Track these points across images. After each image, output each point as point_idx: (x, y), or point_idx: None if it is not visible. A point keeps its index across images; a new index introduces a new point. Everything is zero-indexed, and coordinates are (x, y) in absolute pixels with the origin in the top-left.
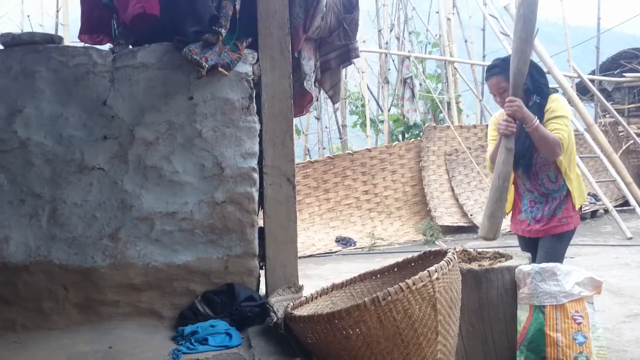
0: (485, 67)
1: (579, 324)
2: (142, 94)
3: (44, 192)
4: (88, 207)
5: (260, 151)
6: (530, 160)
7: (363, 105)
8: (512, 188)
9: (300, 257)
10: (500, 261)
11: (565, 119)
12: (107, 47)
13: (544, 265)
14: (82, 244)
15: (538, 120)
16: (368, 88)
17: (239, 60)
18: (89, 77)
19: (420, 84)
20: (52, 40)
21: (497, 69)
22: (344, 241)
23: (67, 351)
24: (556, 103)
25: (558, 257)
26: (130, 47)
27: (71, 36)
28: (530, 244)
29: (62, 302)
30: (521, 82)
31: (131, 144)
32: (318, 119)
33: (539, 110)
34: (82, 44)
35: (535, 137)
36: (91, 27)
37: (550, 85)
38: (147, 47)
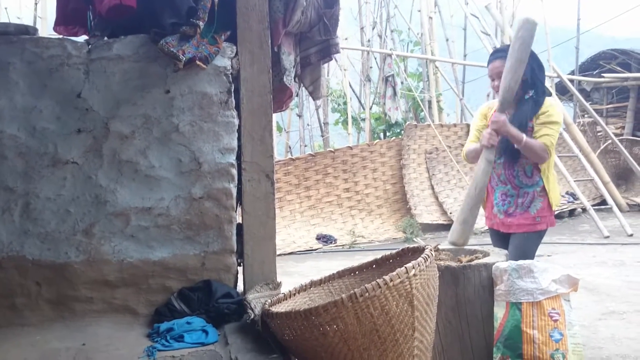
0: (490, 53)
1: (556, 321)
2: (117, 87)
3: (17, 186)
4: (61, 202)
5: (239, 147)
6: (516, 152)
7: (345, 103)
8: None
9: (280, 255)
10: (477, 258)
11: (558, 125)
12: (82, 38)
13: (521, 262)
14: (55, 240)
15: (525, 136)
16: (350, 86)
17: (217, 54)
18: (63, 69)
19: (402, 82)
20: (27, 31)
21: (502, 53)
22: (324, 239)
23: (40, 348)
24: (553, 109)
25: (528, 254)
26: (106, 38)
27: (49, 29)
28: (502, 239)
29: (35, 298)
30: (510, 98)
31: (106, 137)
32: (300, 116)
33: (535, 105)
34: (57, 36)
35: (523, 150)
36: (66, 18)
37: None
38: (123, 39)
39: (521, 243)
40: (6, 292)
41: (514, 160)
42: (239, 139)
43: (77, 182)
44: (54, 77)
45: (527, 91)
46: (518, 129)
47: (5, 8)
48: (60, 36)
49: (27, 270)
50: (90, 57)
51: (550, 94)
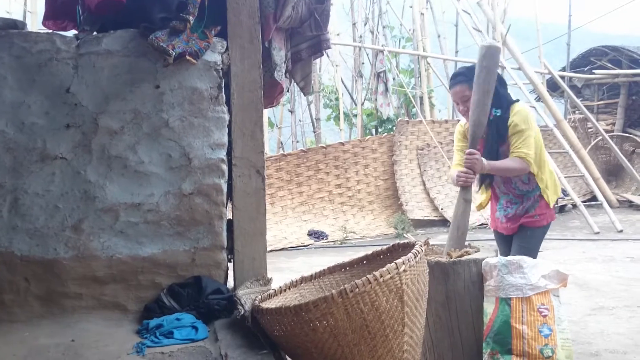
0: (450, 76)
1: (545, 316)
2: (106, 82)
3: (5, 182)
4: (50, 198)
5: (229, 142)
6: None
7: (337, 99)
8: (489, 190)
9: (272, 251)
10: (467, 253)
11: (527, 131)
12: (71, 33)
13: (510, 257)
14: (44, 235)
15: (492, 163)
16: (342, 82)
17: (207, 49)
18: (52, 63)
19: (394, 78)
20: (15, 25)
21: (462, 77)
22: (316, 235)
23: (29, 344)
24: (518, 116)
25: (532, 251)
26: (95, 33)
27: (39, 24)
28: (506, 240)
29: (24, 295)
30: (480, 133)
31: (95, 133)
32: (292, 112)
33: (502, 122)
34: (46, 30)
35: (499, 174)
36: (56, 12)
37: (523, 82)
38: (112, 33)
39: (523, 241)
40: None
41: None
42: (229, 134)
43: (65, 178)
44: (43, 71)
45: (491, 112)
46: (489, 152)
47: None
48: (49, 31)
49: (16, 266)
50: (79, 52)
51: (516, 100)
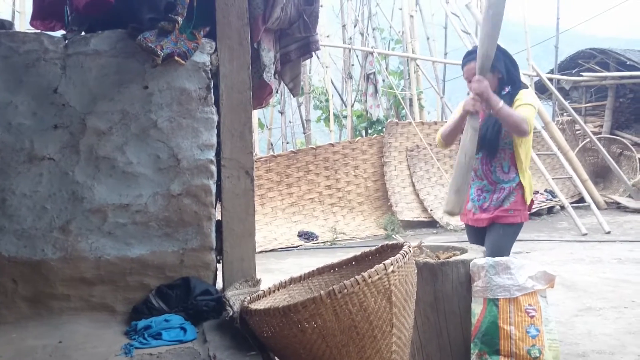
0: (464, 54)
1: (532, 317)
2: (94, 82)
3: None
4: (38, 198)
5: (218, 143)
6: (495, 142)
7: (327, 100)
8: None
9: (262, 252)
10: (455, 254)
11: (531, 106)
12: (59, 33)
13: (498, 258)
14: (31, 236)
15: (502, 102)
16: (332, 83)
17: (196, 50)
18: (39, 64)
19: (383, 80)
20: (2, 25)
21: (475, 55)
22: (306, 235)
23: (16, 345)
24: (525, 95)
25: (504, 250)
26: (83, 33)
27: (27, 24)
28: (478, 234)
29: (11, 296)
30: (488, 65)
31: (83, 133)
32: (282, 113)
33: (511, 100)
34: (34, 30)
35: (501, 117)
36: (43, 12)
37: None
38: (101, 33)
39: (497, 238)
40: None
41: (492, 156)
42: (218, 135)
43: (53, 179)
44: (31, 72)
45: (503, 87)
46: (493, 126)
47: None
48: (37, 31)
49: (3, 267)
50: (67, 52)
51: (526, 87)
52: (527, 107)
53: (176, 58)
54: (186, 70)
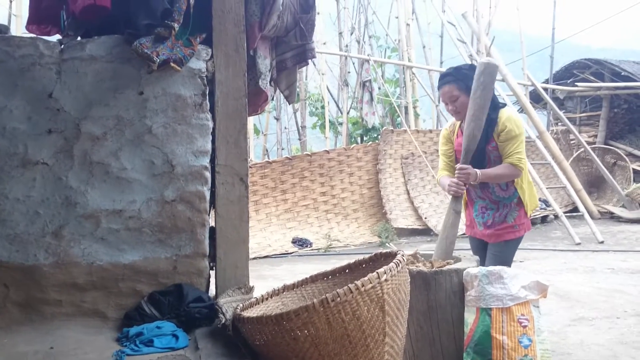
0: (439, 77)
1: (525, 327)
2: (89, 87)
3: None
4: (31, 203)
5: (213, 150)
6: (482, 166)
7: (323, 107)
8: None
9: (255, 258)
10: (449, 263)
11: (520, 136)
12: (55, 38)
13: (491, 268)
14: (24, 241)
15: (485, 171)
16: (328, 90)
17: (192, 56)
18: (35, 68)
19: (379, 88)
20: None
21: (450, 77)
22: (300, 242)
23: (7, 351)
24: (510, 122)
25: (507, 261)
26: (79, 38)
27: (24, 27)
28: (480, 246)
29: (3, 301)
30: (474, 147)
31: (77, 138)
32: (277, 119)
33: (489, 124)
34: (30, 35)
35: (491, 181)
36: (39, 17)
37: (506, 93)
38: (97, 39)
39: (500, 250)
40: None
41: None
42: (213, 141)
43: (47, 183)
44: (26, 76)
45: None
46: (476, 153)
47: None
48: (33, 35)
49: None
50: (62, 57)
51: (504, 105)
52: (516, 142)
53: (172, 64)
54: (182, 77)
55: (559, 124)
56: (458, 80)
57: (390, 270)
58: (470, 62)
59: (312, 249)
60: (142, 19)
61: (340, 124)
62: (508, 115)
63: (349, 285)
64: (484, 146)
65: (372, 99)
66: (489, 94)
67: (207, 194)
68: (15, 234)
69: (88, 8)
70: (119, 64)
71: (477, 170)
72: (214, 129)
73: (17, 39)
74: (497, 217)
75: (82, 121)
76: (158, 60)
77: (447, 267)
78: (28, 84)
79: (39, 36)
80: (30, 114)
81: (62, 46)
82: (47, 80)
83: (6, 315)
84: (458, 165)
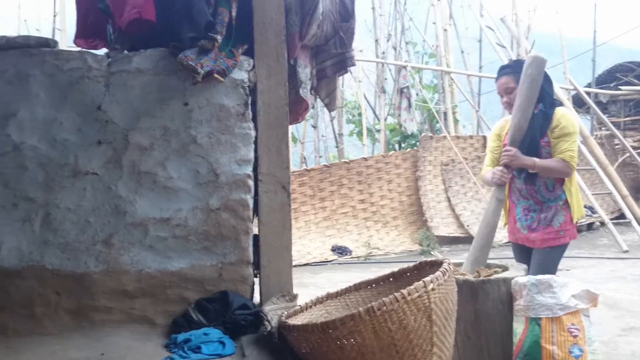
0: (498, 69)
1: (575, 337)
2: (137, 99)
3: (37, 197)
4: (81, 212)
5: (256, 158)
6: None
7: (360, 114)
8: (506, 198)
9: (295, 266)
10: (496, 272)
11: (574, 135)
12: (102, 52)
13: (540, 277)
14: (75, 249)
15: (536, 160)
16: (365, 97)
17: (234, 67)
18: (83, 81)
19: (417, 94)
20: (47, 44)
21: (508, 69)
22: (339, 250)
23: (59, 357)
24: (565, 120)
25: (551, 269)
26: (126, 52)
27: (68, 41)
28: (524, 253)
29: (55, 308)
30: (520, 137)
31: (125, 149)
32: (315, 127)
33: (544, 118)
34: (77, 49)
35: (541, 172)
36: (86, 31)
37: None
38: (143, 52)
39: (544, 258)
40: (26, 302)
41: (535, 175)
42: (255, 150)
43: (97, 193)
44: (75, 89)
45: (536, 105)
46: (529, 145)
47: (25, 20)
48: (80, 49)
49: (47, 279)
50: (110, 70)
51: (561, 104)
52: (570, 140)
53: (215, 75)
54: (225, 87)
55: (603, 128)
56: (516, 73)
57: (437, 279)
58: None
59: (351, 257)
60: (186, 31)
61: (378, 131)
62: (563, 112)
63: (395, 294)
64: (538, 141)
65: (409, 105)
66: (535, 87)
67: (251, 202)
68: (66, 243)
69: (134, 22)
70: (164, 76)
71: (528, 157)
72: (256, 137)
73: (66, 53)
74: (542, 219)
75: (130, 132)
76: (202, 71)
77: (495, 276)
78: (77, 96)
79: (86, 50)
80: (80, 126)
81: (110, 59)
82: (96, 92)
83: (58, 322)
84: (505, 147)
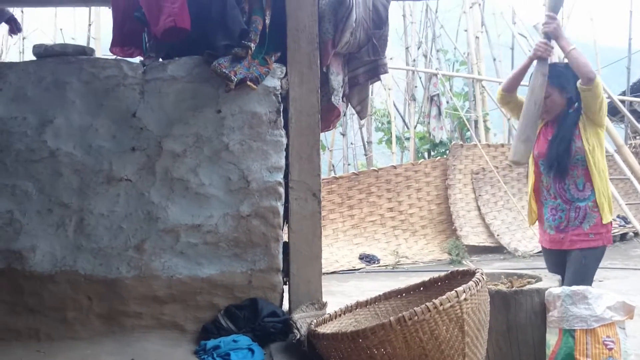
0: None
1: (610, 349)
2: (171, 107)
3: (72, 202)
4: (114, 218)
5: (287, 165)
6: (566, 160)
7: (389, 122)
8: (532, 198)
9: (323, 274)
10: (529, 282)
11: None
12: (138, 59)
13: (574, 288)
14: (107, 255)
15: (572, 44)
16: (394, 105)
17: (267, 74)
18: (119, 89)
19: (447, 102)
20: (84, 52)
21: None
22: (367, 258)
23: None
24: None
25: (587, 277)
26: (161, 60)
27: (103, 49)
28: (556, 259)
29: (86, 313)
30: (559, 6)
31: (159, 155)
32: (343, 135)
33: (578, 115)
34: (113, 57)
35: (570, 58)
36: (123, 39)
37: None
38: (177, 60)
39: (578, 264)
40: (58, 306)
41: (564, 174)
42: (286, 157)
43: (130, 199)
44: (110, 96)
45: (571, 106)
46: (562, 138)
47: (60, 29)
48: (116, 57)
49: (79, 284)
50: (145, 78)
51: None
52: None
53: (248, 83)
54: (257, 95)
55: (638, 137)
56: (552, 77)
57: (470, 289)
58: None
59: (379, 266)
60: (220, 39)
61: (407, 139)
62: None
63: (427, 303)
64: (569, 139)
65: (440, 113)
66: None
67: (281, 210)
68: (99, 248)
69: (169, 30)
70: (198, 84)
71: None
72: (287, 145)
73: (102, 61)
74: (572, 219)
75: (163, 139)
76: (235, 79)
77: (528, 286)
78: (113, 103)
79: (122, 58)
80: (115, 133)
81: (145, 67)
82: (131, 100)
83: (89, 326)
84: (547, 14)
